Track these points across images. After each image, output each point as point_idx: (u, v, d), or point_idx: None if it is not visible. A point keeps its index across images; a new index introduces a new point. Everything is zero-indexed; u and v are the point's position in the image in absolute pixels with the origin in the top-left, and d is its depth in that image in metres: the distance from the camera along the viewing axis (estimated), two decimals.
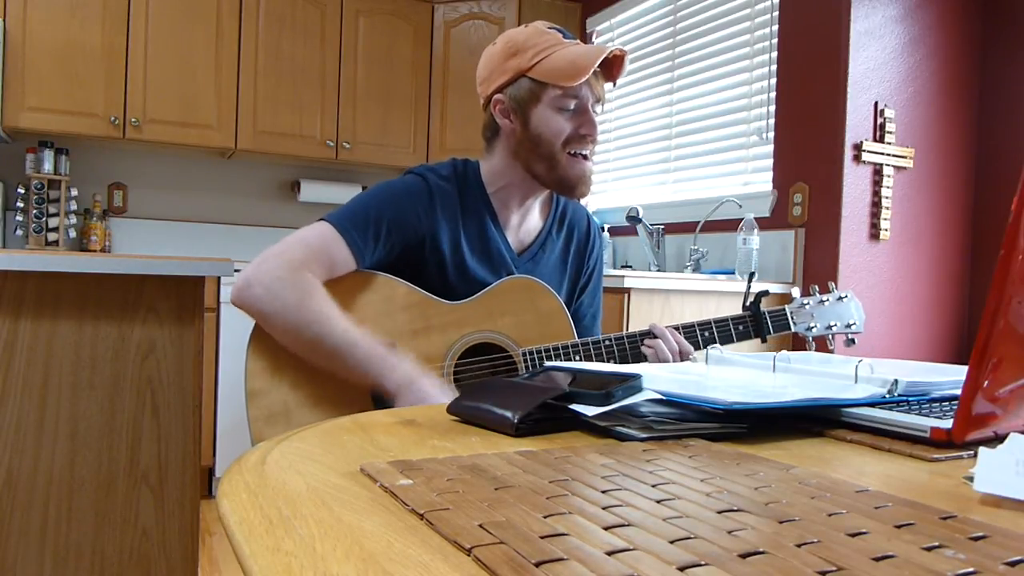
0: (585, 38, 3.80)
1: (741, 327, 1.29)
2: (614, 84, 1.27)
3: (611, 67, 1.24)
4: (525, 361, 1.22)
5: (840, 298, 1.31)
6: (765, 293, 1.31)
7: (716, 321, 1.28)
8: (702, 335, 1.27)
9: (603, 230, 3.19)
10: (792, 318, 1.30)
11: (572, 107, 1.22)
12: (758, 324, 1.28)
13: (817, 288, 1.34)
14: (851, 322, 1.30)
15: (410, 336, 1.21)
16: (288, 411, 1.15)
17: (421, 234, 1.23)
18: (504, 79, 1.23)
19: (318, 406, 1.17)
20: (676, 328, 1.27)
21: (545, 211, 1.38)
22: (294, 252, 1.16)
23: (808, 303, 1.30)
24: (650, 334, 1.26)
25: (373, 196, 1.24)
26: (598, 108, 1.26)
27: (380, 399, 1.17)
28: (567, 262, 1.39)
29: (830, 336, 1.32)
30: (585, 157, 1.25)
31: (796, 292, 1.30)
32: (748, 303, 1.29)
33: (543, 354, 1.22)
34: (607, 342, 1.24)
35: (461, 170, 1.29)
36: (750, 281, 1.34)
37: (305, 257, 1.15)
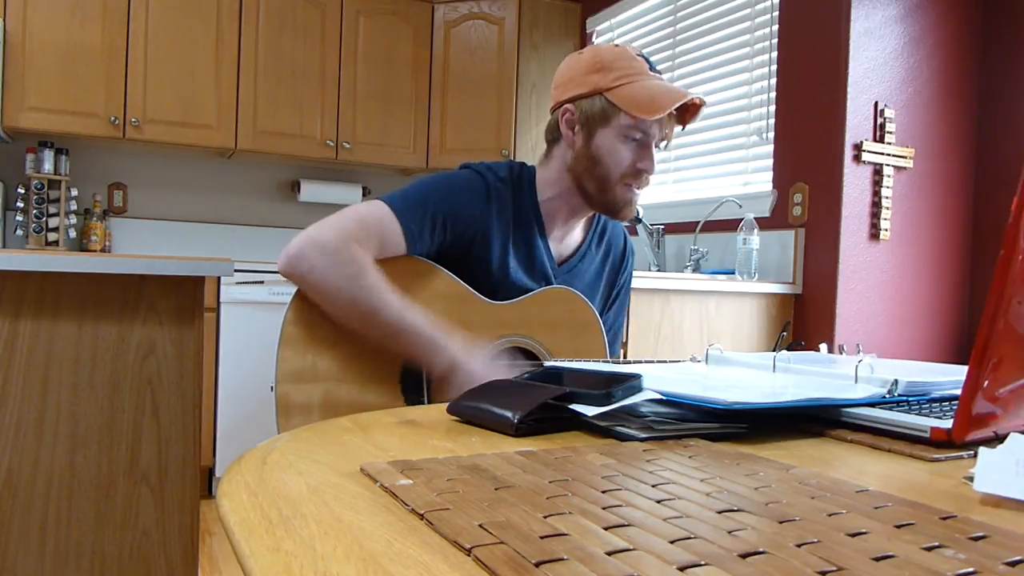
0: (585, 38, 3.80)
1: None
2: (683, 128, 1.27)
3: (684, 111, 1.23)
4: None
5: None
6: (799, 344, 1.30)
7: None
8: None
9: None
10: None
11: (637, 138, 1.22)
12: None
13: (844, 347, 1.35)
14: None
15: (446, 328, 1.21)
16: (316, 377, 1.16)
17: (473, 231, 1.23)
18: (581, 91, 1.23)
19: (346, 380, 1.17)
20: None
21: (587, 226, 1.39)
22: (348, 225, 1.16)
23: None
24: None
25: (432, 186, 1.24)
26: (661, 145, 1.26)
27: (408, 379, 1.18)
28: (602, 277, 1.41)
29: None
30: (637, 187, 1.26)
31: (824, 348, 1.31)
32: (775, 348, 1.30)
33: None
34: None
35: (517, 173, 1.30)
36: (783, 331, 1.34)
37: (358, 232, 1.16)
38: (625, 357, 1.33)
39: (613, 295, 1.44)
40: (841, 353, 1.32)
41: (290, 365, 1.16)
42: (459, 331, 1.20)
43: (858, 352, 1.32)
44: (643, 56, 1.24)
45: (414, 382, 1.19)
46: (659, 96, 1.18)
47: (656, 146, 1.24)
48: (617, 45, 1.25)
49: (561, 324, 1.26)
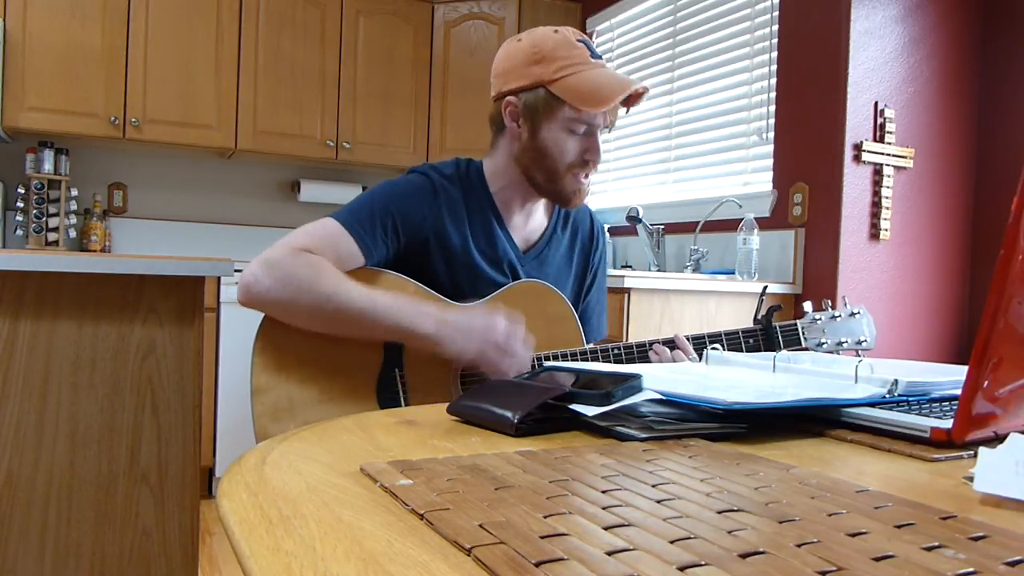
0: None
1: (751, 340, 1.28)
2: (627, 111, 1.26)
3: (628, 96, 1.22)
4: (533, 367, 1.22)
5: (852, 314, 1.29)
6: (778, 308, 1.29)
7: (727, 333, 1.28)
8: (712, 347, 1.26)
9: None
10: (803, 333, 1.29)
11: (582, 131, 1.21)
12: (769, 338, 1.28)
13: (829, 303, 1.32)
14: (862, 339, 1.28)
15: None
16: (293, 408, 1.15)
17: (426, 232, 1.22)
18: (522, 83, 1.21)
19: (324, 403, 1.16)
20: (687, 338, 1.26)
21: (549, 209, 1.38)
22: (297, 240, 1.16)
23: (820, 318, 1.28)
24: (672, 343, 1.24)
25: (377, 194, 1.23)
26: (606, 132, 1.25)
27: (384, 391, 1.17)
28: (572, 260, 1.39)
29: (840, 353, 1.30)
30: (585, 175, 1.25)
31: (808, 306, 1.28)
32: (760, 316, 1.28)
33: (551, 360, 1.22)
34: (616, 350, 1.23)
35: (464, 169, 1.29)
36: (763, 295, 1.32)
37: (310, 244, 1.15)
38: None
39: (590, 276, 1.42)
40: (826, 309, 1.30)
41: (266, 398, 1.15)
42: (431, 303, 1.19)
43: (845, 305, 1.30)
44: (584, 41, 1.22)
45: (390, 393, 1.18)
46: (603, 87, 1.17)
47: (599, 134, 1.24)
48: (557, 31, 1.22)
49: (533, 317, 1.24)
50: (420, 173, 1.26)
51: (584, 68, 1.18)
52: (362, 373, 1.18)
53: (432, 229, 1.22)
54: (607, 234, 1.49)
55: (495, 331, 1.12)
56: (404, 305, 1.13)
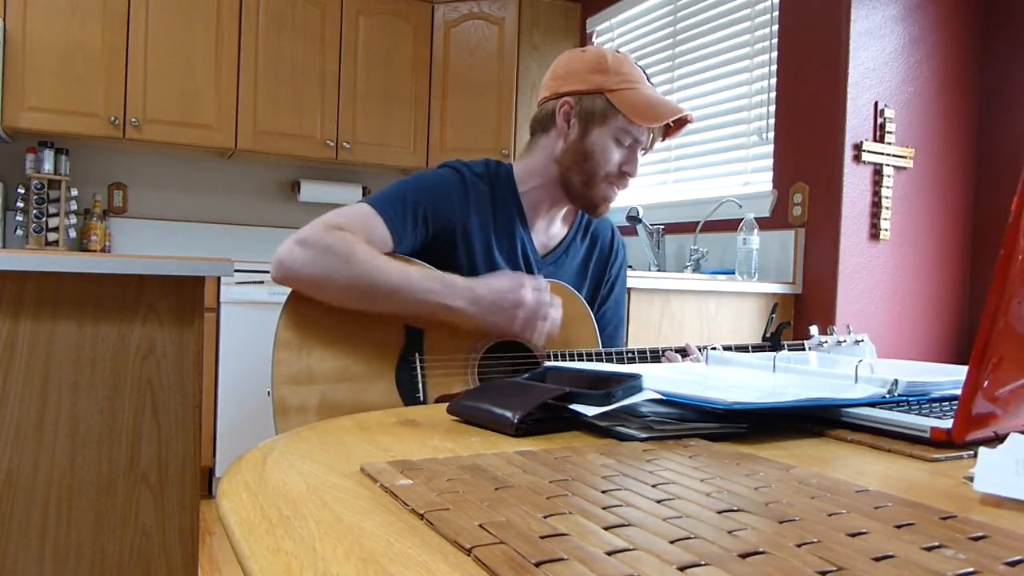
0: (585, 38, 3.80)
1: None
2: (663, 139, 1.33)
3: (668, 125, 1.29)
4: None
5: (857, 341, 1.34)
6: (787, 324, 1.33)
7: (736, 347, 1.30)
8: None
9: None
10: None
11: (627, 143, 1.27)
12: None
13: (834, 328, 1.37)
14: None
15: (439, 325, 1.22)
16: (312, 379, 1.17)
17: (454, 225, 1.25)
18: (583, 87, 1.27)
19: (343, 381, 1.18)
20: (699, 348, 1.28)
21: (571, 219, 1.41)
22: (330, 218, 1.19)
23: (827, 342, 1.33)
24: (684, 351, 1.27)
25: (409, 184, 1.26)
26: (642, 154, 1.32)
27: (403, 376, 1.18)
28: (588, 269, 1.42)
29: None
30: (618, 187, 1.31)
31: (814, 330, 1.33)
32: (769, 334, 1.31)
33: (566, 359, 1.23)
34: (631, 354, 1.25)
35: (494, 169, 1.32)
36: (772, 313, 1.36)
37: (343, 223, 1.18)
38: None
39: (606, 287, 1.45)
40: (831, 335, 1.33)
41: (286, 368, 1.16)
42: (448, 331, 1.21)
43: (848, 332, 1.34)
44: (641, 68, 1.30)
45: (409, 377, 1.20)
46: (659, 106, 1.25)
47: (639, 151, 1.30)
48: (619, 51, 1.30)
49: None
50: (452, 168, 1.29)
51: (642, 87, 1.27)
52: (383, 355, 1.20)
53: (459, 223, 1.25)
54: (626, 248, 1.53)
55: (524, 300, 1.17)
56: (438, 280, 1.17)
